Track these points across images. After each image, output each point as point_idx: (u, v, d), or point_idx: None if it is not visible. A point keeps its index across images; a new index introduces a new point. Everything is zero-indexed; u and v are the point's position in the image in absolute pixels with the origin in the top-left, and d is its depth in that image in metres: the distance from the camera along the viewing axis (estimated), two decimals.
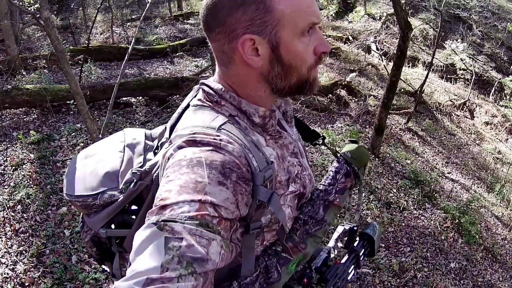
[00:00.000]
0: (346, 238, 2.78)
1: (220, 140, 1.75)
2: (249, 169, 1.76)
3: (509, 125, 23.55)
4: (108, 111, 8.41)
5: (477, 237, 12.39)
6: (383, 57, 24.66)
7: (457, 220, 12.52)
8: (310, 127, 2.74)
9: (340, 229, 2.78)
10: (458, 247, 11.78)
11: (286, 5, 1.80)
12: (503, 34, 30.06)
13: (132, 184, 2.16)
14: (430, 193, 13.47)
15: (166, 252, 1.40)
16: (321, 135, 2.77)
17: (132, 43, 9.75)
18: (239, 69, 1.94)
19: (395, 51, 25.92)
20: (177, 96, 13.95)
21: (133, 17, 24.36)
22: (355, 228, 2.77)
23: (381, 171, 13.44)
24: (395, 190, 12.78)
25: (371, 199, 11.90)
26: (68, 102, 12.14)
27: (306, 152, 2.49)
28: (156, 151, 2.36)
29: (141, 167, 2.24)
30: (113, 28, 20.86)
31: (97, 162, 2.35)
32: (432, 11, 28.25)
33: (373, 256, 2.85)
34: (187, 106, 2.10)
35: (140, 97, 13.80)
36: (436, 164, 16.53)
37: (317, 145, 2.79)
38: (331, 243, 2.69)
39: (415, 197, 12.88)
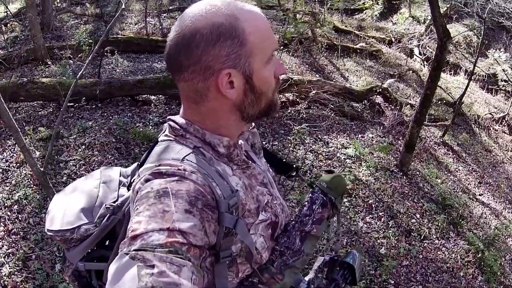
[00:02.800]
0: (326, 269, 2.83)
1: (184, 170, 1.83)
2: (213, 197, 1.84)
3: None
4: (56, 123, 7.82)
5: (498, 273, 11.55)
6: (425, 63, 24.07)
7: (480, 254, 11.64)
8: (283, 159, 2.87)
9: (320, 259, 2.84)
10: (476, 286, 11.00)
11: (255, 36, 1.92)
12: None
13: (105, 218, 2.29)
14: (456, 220, 12.67)
15: (140, 280, 1.43)
16: (294, 166, 2.88)
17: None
18: (212, 104, 2.01)
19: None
20: None
21: (171, 7, 23.97)
22: (336, 258, 2.83)
23: (407, 191, 12.72)
24: (418, 216, 12.03)
25: (389, 225, 11.21)
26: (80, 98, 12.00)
27: (277, 182, 2.55)
28: (129, 187, 2.47)
29: (114, 202, 2.37)
30: (148, 19, 20.44)
31: (74, 198, 2.47)
32: (475, 18, 27.28)
33: (355, 285, 2.85)
34: (156, 142, 2.17)
35: (160, 96, 13.68)
36: (468, 184, 15.77)
37: (292, 177, 2.91)
38: (311, 274, 2.74)
39: (440, 224, 12.10)
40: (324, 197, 2.61)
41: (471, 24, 28.27)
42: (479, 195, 15.50)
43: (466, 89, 18.24)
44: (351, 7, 31.92)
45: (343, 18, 28.61)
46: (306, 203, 2.62)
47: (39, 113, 11.92)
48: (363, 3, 32.55)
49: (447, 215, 12.57)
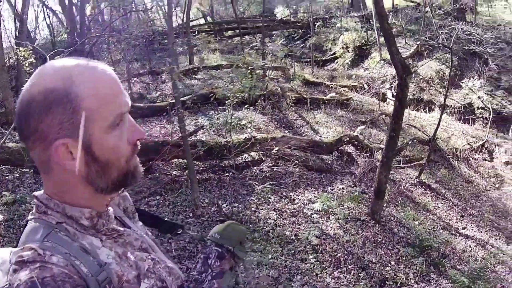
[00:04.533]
0: None
1: (44, 253, 1.71)
2: (80, 275, 1.74)
3: None
4: None
5: None
6: None
7: None
8: (166, 218, 2.83)
9: None
10: None
11: (91, 101, 1.77)
12: None
13: None
14: (437, 260, 12.26)
15: None
16: (178, 224, 2.90)
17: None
18: (59, 175, 1.88)
19: (411, 97, 25.76)
20: (157, 161, 13.59)
21: (141, 71, 24.30)
22: None
23: (380, 239, 12.33)
24: (393, 263, 11.59)
25: (360, 277, 10.71)
26: None
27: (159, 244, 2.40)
28: None
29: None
30: None
31: None
32: (446, 50, 27.25)
33: None
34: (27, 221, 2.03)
35: None
36: (449, 220, 15.42)
37: (178, 235, 2.97)
38: None
39: (418, 267, 11.64)
40: (220, 249, 2.54)
41: (443, 57, 28.29)
42: (462, 228, 15.17)
43: (438, 124, 18.04)
44: (322, 58, 32.48)
45: (314, 70, 28.96)
46: (199, 260, 2.55)
47: (7, 177, 12.05)
48: (334, 53, 33.03)
49: (426, 257, 12.15)
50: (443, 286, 11.36)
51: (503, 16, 38.02)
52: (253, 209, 12.23)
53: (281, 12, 37.05)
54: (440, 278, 11.62)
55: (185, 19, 30.45)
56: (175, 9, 39.24)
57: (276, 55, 22.12)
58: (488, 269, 12.61)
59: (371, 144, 17.76)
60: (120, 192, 2.25)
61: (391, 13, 32.79)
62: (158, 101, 19.67)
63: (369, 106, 22.71)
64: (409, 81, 11.83)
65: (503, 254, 14.17)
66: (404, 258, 11.86)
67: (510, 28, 34.21)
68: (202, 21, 41.75)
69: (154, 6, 38.24)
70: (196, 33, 30.92)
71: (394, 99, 22.59)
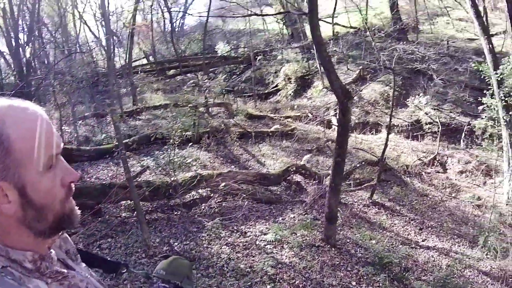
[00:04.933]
0: None
1: None
2: None
3: (485, 167, 22.48)
4: None
5: None
6: None
7: None
8: (107, 258, 2.91)
9: None
10: None
11: (24, 142, 1.71)
12: (465, 76, 29.38)
13: None
14: (400, 275, 12.01)
15: None
16: (122, 263, 2.81)
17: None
18: None
19: (356, 121, 25.79)
20: (106, 204, 13.31)
21: (86, 114, 24.12)
22: None
23: (337, 262, 12.02)
24: (354, 283, 11.25)
25: None
26: None
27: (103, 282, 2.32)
28: None
29: None
30: (63, 127, 20.26)
31: None
32: (385, 70, 27.49)
33: None
34: None
35: None
36: (407, 235, 15.25)
37: (122, 274, 2.74)
38: None
39: (381, 284, 11.35)
40: (167, 285, 2.64)
41: (386, 79, 28.54)
42: (422, 241, 15.00)
43: (386, 144, 17.78)
44: (265, 92, 32.56)
45: (257, 103, 28.94)
46: None
47: None
48: (276, 85, 33.00)
49: (388, 273, 11.88)
50: None
51: (446, 31, 38.73)
52: (205, 245, 11.95)
53: (221, 48, 37.19)
54: None
55: (127, 59, 30.50)
56: (118, 49, 39.16)
57: (214, 91, 21.93)
58: (455, 275, 12.53)
59: (319, 171, 17.64)
60: (60, 234, 2.15)
61: (331, 40, 33.11)
62: (104, 143, 19.43)
63: (314, 135, 22.66)
64: (350, 106, 11.78)
65: (469, 258, 14.12)
66: (365, 277, 11.56)
67: (453, 42, 34.98)
68: (145, 61, 41.88)
69: (96, 47, 37.94)
70: (139, 73, 31.15)
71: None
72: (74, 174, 1.90)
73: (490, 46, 19.21)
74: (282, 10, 33.33)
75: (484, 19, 22.11)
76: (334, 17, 34.52)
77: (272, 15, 32.00)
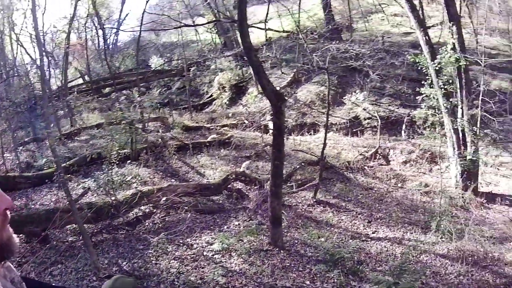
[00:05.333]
0: None
1: None
2: None
3: (429, 155, 22.68)
4: None
5: None
6: None
7: (393, 287, 10.52)
8: (58, 285, 2.73)
9: None
10: None
11: None
12: (402, 69, 29.59)
13: None
14: (354, 268, 11.71)
15: None
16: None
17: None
18: None
19: (294, 123, 25.65)
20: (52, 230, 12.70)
21: (26, 139, 23.51)
22: None
23: (288, 264, 11.67)
24: (308, 282, 10.88)
25: None
26: None
27: None
28: None
29: None
30: (5, 155, 19.67)
31: None
32: (319, 71, 27.58)
33: None
34: None
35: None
36: (356, 229, 15.03)
37: None
38: None
39: (336, 280, 11.01)
40: None
41: (321, 79, 28.40)
42: (372, 233, 14.83)
43: (324, 143, 17.62)
44: (200, 102, 32.15)
45: (193, 115, 28.50)
46: None
47: None
48: (211, 95, 32.66)
49: (342, 268, 11.56)
50: None
51: (380, 27, 39.08)
52: (153, 262, 11.51)
53: (155, 62, 36.37)
54: (362, 284, 11.08)
55: (63, 80, 29.87)
56: (54, 70, 38.35)
57: (148, 105, 21.53)
58: (411, 262, 12.41)
59: (259, 176, 17.41)
60: (3, 263, 2.15)
61: (264, 46, 33.13)
62: (45, 168, 18.65)
63: (252, 141, 22.44)
64: (284, 108, 11.52)
65: (423, 244, 14.05)
66: (318, 275, 11.23)
67: (389, 37, 35.22)
68: (81, 80, 40.57)
69: (31, 69, 37.02)
70: (75, 93, 30.23)
71: None
72: (7, 201, 1.91)
73: (427, 37, 19.36)
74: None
75: (420, 12, 22.26)
76: (266, 23, 34.44)
77: (202, 24, 31.62)
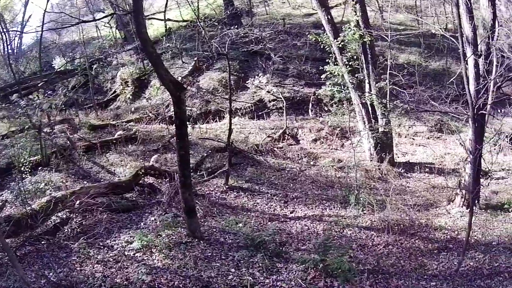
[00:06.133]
0: None
1: None
2: None
3: (339, 131, 23.08)
4: None
5: (353, 264, 10.92)
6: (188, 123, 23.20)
7: (321, 265, 10.50)
8: None
9: None
10: None
11: None
12: (305, 49, 30.01)
13: None
14: (277, 250, 11.61)
15: None
16: None
17: None
18: None
19: (198, 111, 25.40)
20: None
21: None
22: None
23: (210, 254, 11.43)
24: (233, 270, 10.70)
25: None
26: None
27: None
28: None
29: None
30: None
31: None
32: (219, 57, 27.74)
33: None
34: None
35: None
36: (274, 210, 14.96)
37: None
38: None
39: (261, 264, 10.88)
40: None
41: (223, 66, 28.14)
42: (290, 213, 14.81)
43: (230, 129, 17.37)
44: (104, 100, 31.25)
45: (99, 113, 27.59)
46: None
47: None
48: (114, 91, 31.84)
49: (265, 252, 11.42)
50: (294, 270, 10.73)
51: (281, 10, 39.23)
52: (78, 268, 10.92)
53: (58, 62, 34.90)
54: (288, 265, 11.00)
55: None
56: None
57: (53, 108, 20.81)
58: (335, 237, 12.55)
59: (169, 168, 16.99)
60: None
61: (164, 37, 32.79)
62: None
63: (158, 133, 22.05)
64: (183, 97, 11.24)
65: (345, 219, 14.19)
66: (242, 261, 11.08)
67: (290, 20, 35.52)
68: None
69: None
70: None
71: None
72: None
73: (329, 17, 19.51)
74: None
75: None
76: (165, 13, 33.97)
77: (100, 19, 30.70)
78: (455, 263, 11.59)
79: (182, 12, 37.10)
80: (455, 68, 28.39)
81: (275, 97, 26.26)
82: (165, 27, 35.00)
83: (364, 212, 14.64)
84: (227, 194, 16.03)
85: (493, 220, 14.52)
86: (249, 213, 14.54)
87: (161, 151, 19.48)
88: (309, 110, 25.96)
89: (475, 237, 13.25)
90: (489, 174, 18.64)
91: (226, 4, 34.21)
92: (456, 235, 13.49)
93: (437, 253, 12.32)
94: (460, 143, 14.92)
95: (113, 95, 31.54)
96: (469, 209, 12.34)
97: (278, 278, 10.45)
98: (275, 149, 20.98)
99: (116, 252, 11.55)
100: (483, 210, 15.30)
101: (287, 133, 23.16)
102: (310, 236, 12.74)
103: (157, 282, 10.06)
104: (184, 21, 35.25)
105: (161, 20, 33.77)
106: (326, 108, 24.76)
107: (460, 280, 10.85)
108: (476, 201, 15.08)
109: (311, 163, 19.91)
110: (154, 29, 35.73)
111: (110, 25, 35.49)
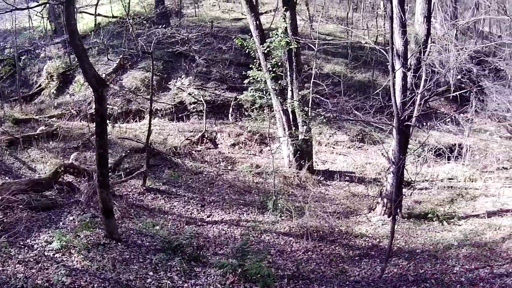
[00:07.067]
0: None
1: None
2: None
3: (259, 137, 23.25)
4: None
5: (272, 270, 11.05)
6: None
7: (239, 269, 10.62)
8: None
9: None
10: None
11: None
12: (230, 53, 30.22)
13: None
14: (194, 254, 11.70)
15: None
16: None
17: None
18: None
19: (119, 110, 25.08)
20: None
21: None
22: None
23: (128, 256, 11.33)
24: (151, 273, 10.67)
25: None
26: None
27: None
28: None
29: None
30: None
31: None
32: (144, 56, 27.49)
33: None
34: None
35: None
36: (190, 214, 15.06)
37: None
38: None
39: (179, 268, 10.88)
40: None
41: (147, 65, 27.74)
42: (207, 217, 14.96)
43: (149, 130, 17.27)
44: (29, 93, 29.97)
45: (23, 106, 26.56)
46: None
47: None
48: (39, 85, 30.57)
49: (182, 255, 11.44)
50: (213, 274, 10.84)
51: (211, 13, 39.20)
52: (0, 268, 10.51)
53: None
54: (206, 269, 11.09)
55: None
56: None
57: None
58: (253, 242, 12.70)
59: (88, 167, 16.73)
60: None
61: (93, 32, 32.09)
62: None
63: (79, 131, 21.58)
64: (105, 94, 11.07)
65: (263, 224, 14.40)
66: (160, 264, 11.06)
67: (218, 23, 35.67)
68: None
69: None
70: None
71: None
72: None
73: (257, 22, 19.67)
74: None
75: None
76: (97, 7, 33.43)
77: (33, 7, 29.84)
78: (378, 269, 11.94)
79: (113, 8, 36.56)
80: (381, 81, 29.32)
81: (196, 100, 26.27)
82: (95, 22, 34.35)
83: (282, 218, 14.85)
84: (145, 195, 15.94)
85: (417, 229, 15.10)
86: (166, 215, 14.54)
87: (81, 149, 19.14)
88: (229, 115, 26.12)
89: (398, 245, 13.74)
90: (412, 184, 19.36)
91: (157, 3, 33.83)
92: (378, 243, 13.95)
93: (359, 260, 12.69)
94: (382, 153, 15.38)
95: (38, 88, 30.55)
96: (391, 217, 12.83)
97: (197, 282, 10.50)
98: (194, 152, 21.00)
99: (37, 252, 11.24)
100: (406, 219, 15.92)
101: (206, 136, 23.22)
102: (228, 241, 12.84)
103: (77, 284, 9.90)
104: (113, 17, 34.76)
105: (91, 14, 33.20)
106: (246, 113, 24.83)
107: (384, 286, 11.18)
108: (398, 210, 15.67)
109: (229, 167, 20.03)
110: (84, 23, 34.94)
111: (42, 14, 34.60)
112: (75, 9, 11.34)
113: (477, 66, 22.22)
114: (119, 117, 24.50)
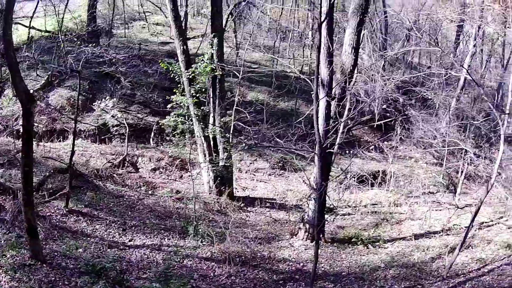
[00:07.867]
0: None
1: None
2: None
3: (179, 162, 23.65)
4: None
5: None
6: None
7: None
8: None
9: None
10: None
11: None
12: (155, 77, 30.18)
13: None
14: (118, 278, 11.69)
15: None
16: None
17: None
18: None
19: (44, 129, 24.75)
20: None
21: None
22: None
23: (53, 279, 11.21)
24: None
25: None
26: None
27: None
28: None
29: None
30: None
31: None
32: (72, 75, 26.94)
33: None
34: None
35: None
36: (112, 237, 15.07)
37: None
38: None
39: None
40: None
41: (74, 84, 27.43)
42: (129, 241, 15.01)
43: (72, 150, 17.02)
44: None
45: None
46: None
47: None
48: None
49: (106, 279, 11.46)
50: None
51: (140, 35, 39.56)
52: None
53: None
54: None
55: None
56: None
57: None
58: (175, 267, 12.84)
59: (13, 185, 16.35)
60: None
61: (25, 45, 31.19)
62: None
63: (5, 147, 21.17)
64: (33, 110, 11.06)
65: (184, 249, 14.57)
66: (85, 287, 11.03)
67: (146, 45, 35.94)
68: None
69: None
70: None
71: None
72: None
73: (184, 47, 20.02)
74: None
75: (184, 23, 22.68)
76: (32, 20, 32.81)
77: None
78: None
79: (47, 21, 35.99)
80: (304, 110, 30.10)
81: (119, 123, 26.34)
82: (28, 34, 33.73)
83: (204, 243, 15.12)
84: (67, 217, 15.77)
85: (341, 253, 15.73)
86: (89, 238, 14.46)
87: (6, 166, 18.73)
88: (151, 139, 26.44)
89: (323, 268, 14.28)
90: (335, 210, 20.11)
91: (89, 20, 33.69)
92: (302, 267, 14.43)
93: (283, 284, 13.14)
94: (304, 180, 15.72)
95: None
96: (313, 242, 13.16)
97: None
98: (115, 175, 21.01)
99: None
100: (329, 244, 16.51)
101: (128, 160, 23.38)
102: (150, 265, 12.96)
103: None
104: (46, 31, 34.23)
105: (26, 26, 32.59)
106: (168, 138, 25.23)
107: None
108: (321, 235, 16.24)
109: (150, 192, 20.20)
110: (18, 35, 34.21)
111: None
112: (12, 19, 11.25)
113: (403, 96, 23.13)
114: (44, 135, 24.29)
